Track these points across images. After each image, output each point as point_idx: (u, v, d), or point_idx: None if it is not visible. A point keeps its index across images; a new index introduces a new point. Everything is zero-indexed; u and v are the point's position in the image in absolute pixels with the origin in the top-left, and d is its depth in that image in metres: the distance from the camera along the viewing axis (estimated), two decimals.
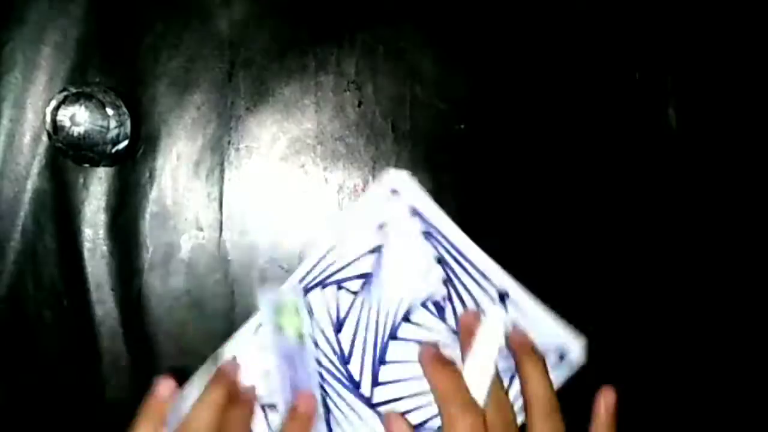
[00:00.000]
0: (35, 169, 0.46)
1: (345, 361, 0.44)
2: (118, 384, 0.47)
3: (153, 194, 0.47)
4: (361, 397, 0.44)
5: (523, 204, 0.47)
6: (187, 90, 0.46)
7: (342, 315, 0.44)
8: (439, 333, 0.44)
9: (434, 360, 0.42)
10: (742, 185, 0.48)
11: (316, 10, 0.46)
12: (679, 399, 0.48)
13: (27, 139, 0.46)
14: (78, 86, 0.44)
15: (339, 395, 0.44)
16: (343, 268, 0.44)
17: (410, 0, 0.46)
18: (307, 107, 0.47)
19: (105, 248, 0.47)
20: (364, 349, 0.44)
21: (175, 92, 0.46)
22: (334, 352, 0.44)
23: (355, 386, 0.44)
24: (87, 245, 0.47)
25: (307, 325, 0.44)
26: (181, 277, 0.47)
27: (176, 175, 0.47)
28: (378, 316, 0.44)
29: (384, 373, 0.44)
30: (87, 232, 0.47)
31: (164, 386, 0.41)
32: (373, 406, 0.44)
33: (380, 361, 0.44)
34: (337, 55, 0.46)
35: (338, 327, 0.44)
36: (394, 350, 0.44)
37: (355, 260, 0.44)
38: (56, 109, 0.43)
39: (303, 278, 0.43)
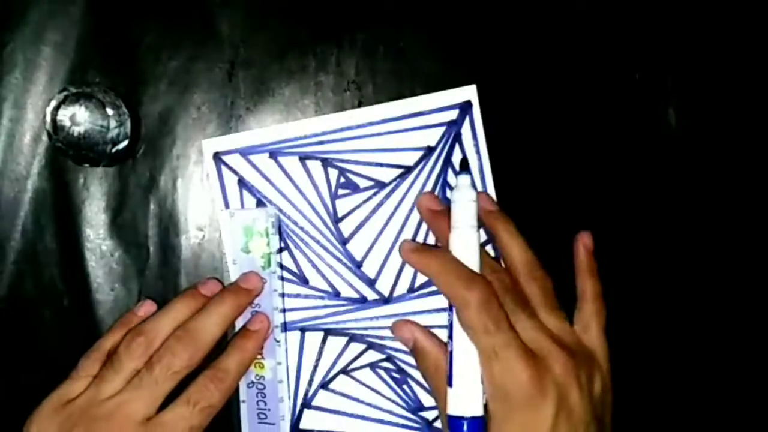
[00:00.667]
0: (35, 169, 0.46)
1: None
2: None
3: (153, 194, 0.47)
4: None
5: (521, 203, 0.47)
6: (187, 90, 0.46)
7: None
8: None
9: (416, 250, 0.43)
10: (742, 185, 0.48)
11: (316, 10, 0.46)
12: (678, 400, 0.48)
13: (27, 139, 0.46)
14: (78, 86, 0.44)
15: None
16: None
17: (410, 0, 0.46)
18: (307, 107, 0.47)
19: (105, 248, 0.47)
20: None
21: (175, 92, 0.46)
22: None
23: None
24: (87, 245, 0.47)
25: (275, 248, 0.44)
26: (181, 277, 0.47)
27: (176, 175, 0.47)
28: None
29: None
30: (87, 232, 0.47)
31: (146, 306, 0.45)
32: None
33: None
34: (337, 55, 0.46)
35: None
36: None
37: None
38: (56, 109, 0.43)
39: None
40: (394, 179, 0.46)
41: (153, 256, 0.47)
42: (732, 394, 0.48)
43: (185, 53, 0.46)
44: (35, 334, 0.47)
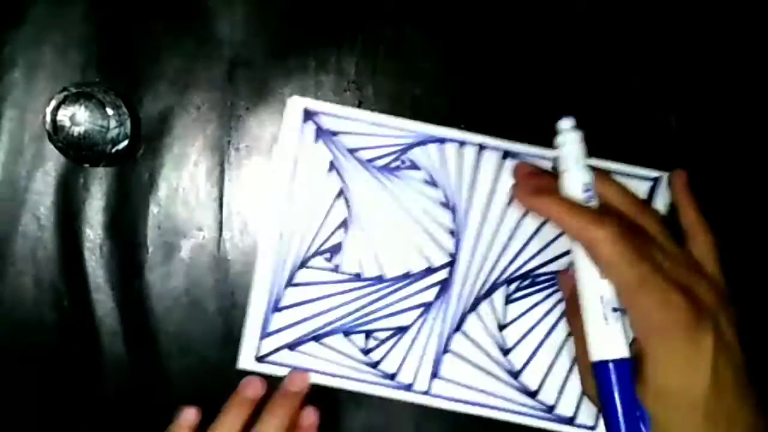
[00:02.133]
0: (35, 169, 0.46)
1: None
2: (118, 384, 0.47)
3: (153, 194, 0.47)
4: None
5: None
6: (187, 90, 0.46)
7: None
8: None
9: (533, 194, 0.41)
10: (742, 185, 0.48)
11: (316, 10, 0.46)
12: None
13: (27, 139, 0.46)
14: (78, 86, 0.44)
15: None
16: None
17: (410, 0, 0.46)
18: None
19: (105, 248, 0.47)
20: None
21: (175, 92, 0.46)
22: None
23: None
24: (87, 245, 0.47)
25: None
26: (181, 277, 0.47)
27: (176, 175, 0.47)
28: None
29: None
30: (87, 232, 0.47)
31: (189, 415, 0.43)
32: None
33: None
34: (337, 55, 0.46)
35: None
36: None
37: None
38: (56, 109, 0.43)
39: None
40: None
41: (153, 256, 0.47)
42: None
43: (185, 53, 0.46)
44: (35, 334, 0.47)
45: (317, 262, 0.46)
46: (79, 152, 0.44)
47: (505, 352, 0.46)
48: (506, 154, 0.46)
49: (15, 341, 0.47)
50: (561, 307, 0.46)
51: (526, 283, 0.46)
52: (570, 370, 0.46)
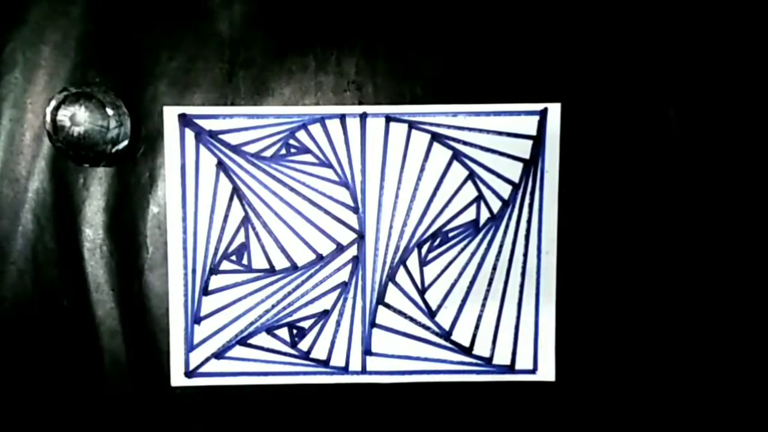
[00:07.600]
0: (35, 169, 0.46)
1: None
2: (118, 383, 0.47)
3: (153, 194, 0.47)
4: None
5: None
6: (187, 90, 0.46)
7: None
8: None
9: None
10: (742, 185, 0.48)
11: (316, 11, 0.46)
12: (677, 398, 0.48)
13: (27, 139, 0.46)
14: (78, 86, 0.43)
15: None
16: None
17: (410, 0, 0.46)
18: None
19: (105, 248, 0.47)
20: None
21: (175, 92, 0.46)
22: None
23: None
24: (87, 245, 0.47)
25: None
26: None
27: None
28: None
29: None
30: (87, 232, 0.47)
31: None
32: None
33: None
34: (337, 55, 0.46)
35: None
36: None
37: None
38: (56, 109, 0.43)
39: None
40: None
41: (153, 256, 0.47)
42: (731, 393, 0.48)
43: (185, 53, 0.46)
44: (35, 334, 0.47)
45: (227, 266, 0.46)
46: (79, 152, 0.44)
47: (432, 314, 0.46)
48: (389, 119, 0.45)
49: (16, 341, 0.47)
50: (478, 258, 0.46)
51: (437, 242, 0.46)
52: (499, 318, 0.46)
